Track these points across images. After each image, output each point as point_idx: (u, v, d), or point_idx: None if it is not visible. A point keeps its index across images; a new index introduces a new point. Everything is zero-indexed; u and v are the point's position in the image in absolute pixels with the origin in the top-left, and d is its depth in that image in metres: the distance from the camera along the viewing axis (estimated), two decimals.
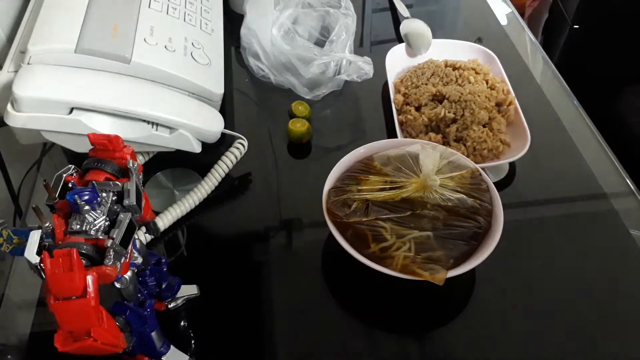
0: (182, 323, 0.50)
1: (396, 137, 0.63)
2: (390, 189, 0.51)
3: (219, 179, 0.59)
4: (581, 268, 0.55)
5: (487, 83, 0.67)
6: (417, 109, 0.66)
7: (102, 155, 0.40)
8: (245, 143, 0.61)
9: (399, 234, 0.49)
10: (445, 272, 0.47)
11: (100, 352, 0.38)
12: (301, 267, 0.55)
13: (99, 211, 0.36)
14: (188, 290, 0.51)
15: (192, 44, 0.62)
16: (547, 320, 0.50)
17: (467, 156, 0.59)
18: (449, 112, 0.63)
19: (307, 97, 0.69)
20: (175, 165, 0.62)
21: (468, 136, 0.62)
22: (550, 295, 0.52)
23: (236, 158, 0.60)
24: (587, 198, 0.61)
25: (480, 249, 0.49)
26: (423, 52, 0.75)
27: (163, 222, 0.55)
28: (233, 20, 0.76)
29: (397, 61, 0.73)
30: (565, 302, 0.52)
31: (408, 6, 0.84)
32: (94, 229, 0.36)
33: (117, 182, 0.38)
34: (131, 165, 0.39)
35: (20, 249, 0.37)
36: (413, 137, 0.64)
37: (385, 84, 0.71)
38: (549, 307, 0.51)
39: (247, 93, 0.72)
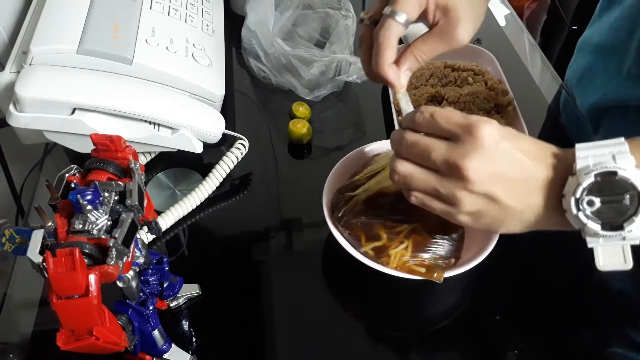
0: (183, 322, 0.50)
1: None
2: (382, 171, 0.51)
3: (220, 179, 0.59)
4: (581, 266, 0.55)
5: (486, 84, 0.68)
6: None
7: (104, 156, 0.40)
8: (246, 143, 0.61)
9: (396, 232, 0.49)
10: (444, 269, 0.47)
11: (102, 351, 0.38)
12: (301, 267, 0.55)
13: (101, 211, 0.36)
14: (189, 289, 0.51)
15: (194, 45, 0.62)
16: (547, 319, 0.51)
17: None
18: None
19: (308, 98, 0.69)
20: (176, 166, 0.62)
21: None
22: (551, 293, 0.53)
23: (237, 158, 0.61)
24: None
25: (480, 248, 0.49)
26: None
27: (165, 221, 0.55)
28: (234, 22, 0.76)
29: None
30: (566, 300, 0.52)
31: None
32: (96, 228, 0.36)
33: (119, 182, 0.38)
34: (133, 165, 0.40)
35: (22, 249, 0.37)
36: None
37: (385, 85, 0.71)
38: (550, 306, 0.52)
39: (248, 94, 0.73)
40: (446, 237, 0.48)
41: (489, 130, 0.37)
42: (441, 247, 0.48)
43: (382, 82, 0.48)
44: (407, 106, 0.46)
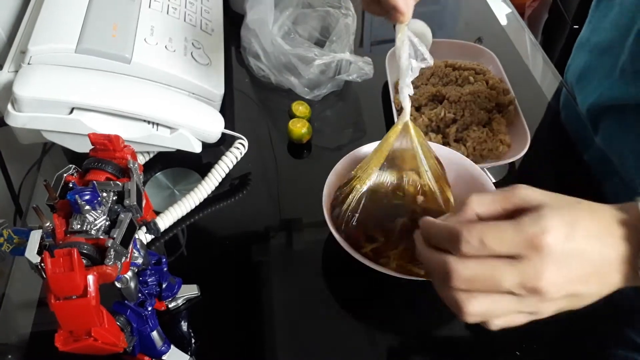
0: (182, 323, 0.50)
1: None
2: (372, 161, 0.51)
3: (219, 179, 0.59)
4: None
5: (487, 83, 0.67)
6: (417, 109, 0.66)
7: (103, 155, 0.40)
8: (246, 143, 0.61)
9: (394, 232, 0.49)
10: None
11: (100, 352, 0.38)
12: (301, 267, 0.55)
13: (99, 211, 0.36)
14: (188, 290, 0.51)
15: (193, 44, 0.62)
16: (548, 320, 0.50)
17: (467, 156, 0.59)
18: (449, 113, 0.63)
19: (307, 97, 0.69)
20: (175, 165, 0.62)
21: (468, 136, 0.62)
22: None
23: (236, 158, 0.60)
24: (588, 198, 0.61)
25: None
26: None
27: (163, 222, 0.55)
28: (233, 20, 0.76)
29: (397, 61, 0.73)
30: None
31: None
32: (94, 228, 0.36)
33: (118, 182, 0.38)
34: (132, 165, 0.40)
35: (21, 249, 0.37)
36: None
37: (385, 84, 0.71)
38: None
39: (248, 93, 0.72)
40: None
41: (552, 238, 0.33)
42: None
43: (386, 11, 0.43)
44: (400, 44, 0.43)
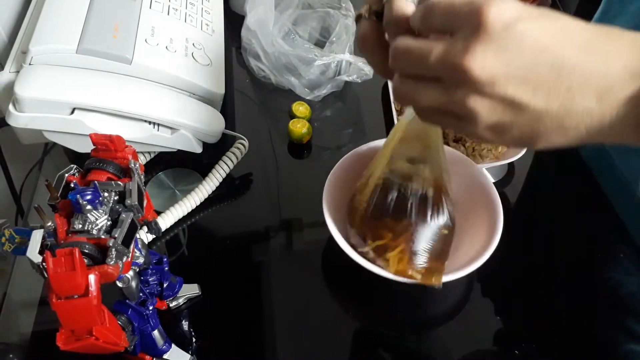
0: (183, 322, 0.50)
1: None
2: (378, 157, 0.50)
3: (220, 179, 0.59)
4: (581, 267, 0.55)
5: None
6: None
7: (104, 155, 0.40)
8: (246, 143, 0.61)
9: (397, 232, 0.49)
10: (441, 275, 0.47)
11: (102, 351, 0.38)
12: (301, 267, 0.55)
13: (100, 211, 0.36)
14: (189, 290, 0.51)
15: (193, 44, 0.62)
16: (547, 320, 0.51)
17: (467, 156, 0.60)
18: None
19: (308, 98, 0.69)
20: (176, 165, 0.62)
21: (467, 136, 0.62)
22: (550, 295, 0.53)
23: (237, 158, 0.60)
24: (587, 197, 0.61)
25: (481, 249, 0.49)
26: None
27: (164, 221, 0.55)
28: (234, 21, 0.76)
29: None
30: (566, 301, 0.52)
31: None
32: (96, 228, 0.36)
33: (119, 182, 0.38)
34: (133, 165, 0.40)
35: (22, 249, 0.37)
36: None
37: (386, 84, 0.71)
38: (548, 306, 0.52)
39: (248, 93, 0.73)
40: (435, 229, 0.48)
41: (498, 9, 0.26)
42: (429, 240, 0.47)
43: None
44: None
